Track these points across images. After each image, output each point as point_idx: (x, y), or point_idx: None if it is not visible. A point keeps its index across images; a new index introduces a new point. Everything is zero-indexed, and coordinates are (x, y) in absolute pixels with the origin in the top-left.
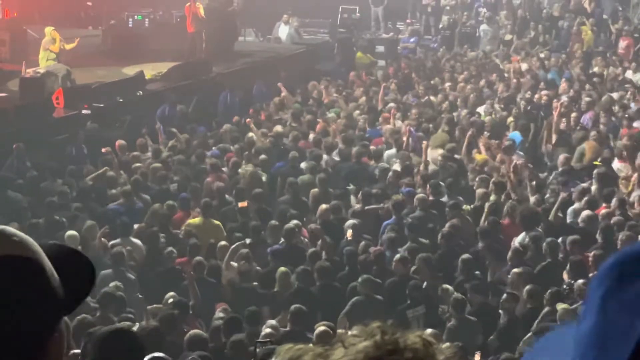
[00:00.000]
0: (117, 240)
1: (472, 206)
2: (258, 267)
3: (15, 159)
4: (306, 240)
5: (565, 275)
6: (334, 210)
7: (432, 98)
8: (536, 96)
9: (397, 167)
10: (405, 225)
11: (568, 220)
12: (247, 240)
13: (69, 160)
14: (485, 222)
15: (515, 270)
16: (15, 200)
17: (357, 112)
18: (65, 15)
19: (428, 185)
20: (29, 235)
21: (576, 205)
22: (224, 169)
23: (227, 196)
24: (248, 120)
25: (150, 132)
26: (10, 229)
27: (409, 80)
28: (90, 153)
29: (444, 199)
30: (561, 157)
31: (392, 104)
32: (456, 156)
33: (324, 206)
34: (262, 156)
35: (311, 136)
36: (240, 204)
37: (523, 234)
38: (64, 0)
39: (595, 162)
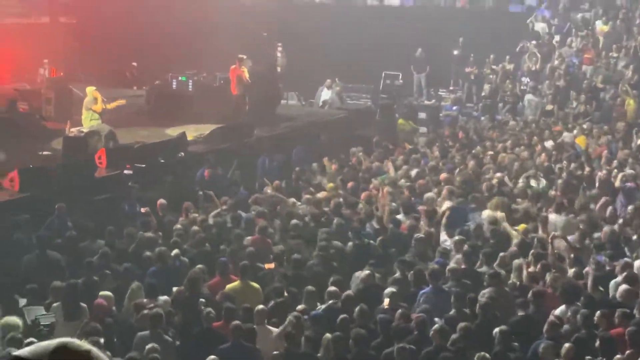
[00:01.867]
0: (157, 302)
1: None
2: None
3: (56, 218)
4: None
5: None
6: (370, 278)
7: (471, 165)
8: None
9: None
10: (441, 294)
11: (610, 295)
12: (299, 308)
13: (114, 219)
14: (528, 292)
15: (547, 342)
16: (55, 260)
17: (402, 180)
18: (111, 75)
19: (461, 255)
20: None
21: (618, 279)
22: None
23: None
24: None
25: (188, 195)
26: (75, 342)
27: (450, 148)
28: (134, 213)
29: (484, 268)
30: (605, 229)
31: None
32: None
33: (361, 273)
34: (303, 221)
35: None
36: (266, 266)
37: (563, 306)
38: (109, 60)
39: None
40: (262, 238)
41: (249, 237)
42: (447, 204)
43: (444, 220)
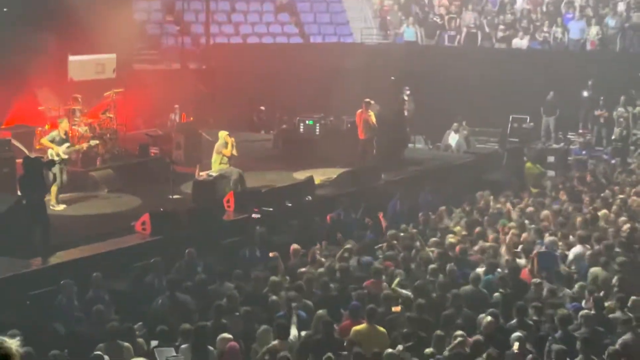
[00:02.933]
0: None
1: None
2: None
3: (186, 262)
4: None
5: None
6: (493, 323)
7: (603, 211)
8: None
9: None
10: (571, 340)
11: None
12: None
13: (242, 262)
14: None
15: None
16: (184, 302)
17: (527, 221)
18: (239, 119)
19: (592, 300)
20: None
21: None
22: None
23: None
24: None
25: (315, 238)
26: None
27: (578, 191)
28: (261, 256)
29: (617, 314)
30: None
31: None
32: None
33: (487, 318)
34: (431, 266)
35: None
36: (393, 309)
37: None
38: (238, 104)
39: None
40: (376, 282)
41: (366, 281)
42: (537, 248)
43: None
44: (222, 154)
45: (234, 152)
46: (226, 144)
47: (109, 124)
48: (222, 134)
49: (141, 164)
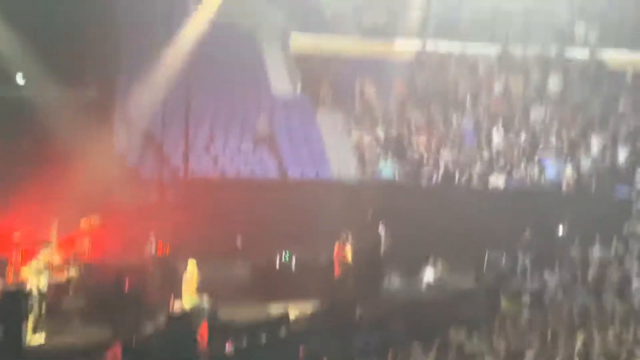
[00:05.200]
0: None
1: None
2: None
3: None
4: None
5: None
6: None
7: None
8: None
9: None
10: None
11: None
12: None
13: None
14: None
15: None
16: None
17: None
18: (216, 251)
19: None
20: None
21: None
22: None
23: None
24: None
25: None
26: None
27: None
28: None
29: None
30: None
31: None
32: None
33: None
34: None
35: None
36: None
37: None
38: (214, 236)
39: None
40: None
41: None
42: None
43: None
44: (189, 283)
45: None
46: (193, 274)
47: (84, 255)
48: (191, 263)
49: (115, 295)
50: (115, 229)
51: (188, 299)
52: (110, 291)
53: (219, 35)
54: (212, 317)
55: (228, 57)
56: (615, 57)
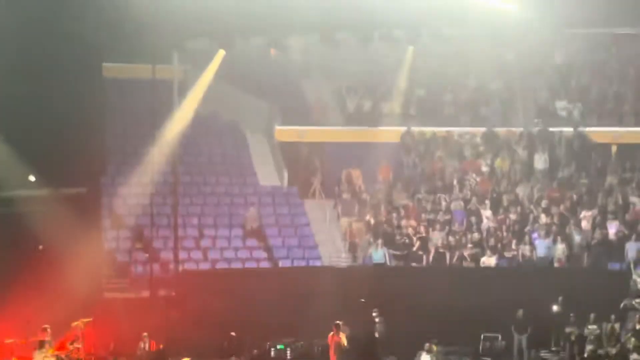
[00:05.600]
0: None
1: None
2: None
3: None
4: None
5: None
6: None
7: None
8: None
9: None
10: None
11: None
12: None
13: None
14: None
15: None
16: None
17: None
18: (209, 345)
19: None
20: None
21: None
22: None
23: None
24: None
25: None
26: None
27: None
28: None
29: None
30: None
31: None
32: None
33: None
34: None
35: None
36: None
37: None
38: (208, 331)
39: None
40: None
41: None
42: None
43: None
44: None
45: None
46: None
47: (77, 354)
48: None
49: None
50: (108, 326)
51: None
52: None
53: (204, 127)
54: None
55: (213, 149)
56: (598, 132)
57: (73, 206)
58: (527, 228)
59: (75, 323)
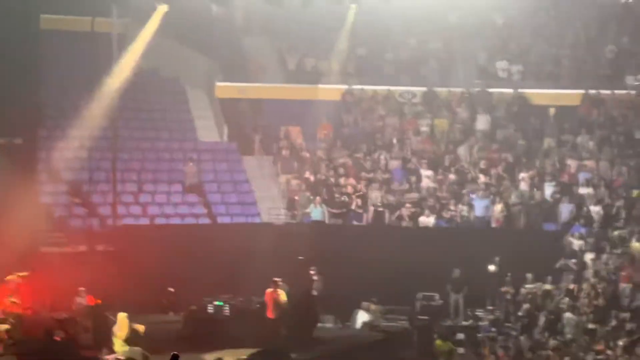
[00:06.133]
0: None
1: None
2: None
3: None
4: None
5: None
6: None
7: None
8: None
9: None
10: None
11: None
12: None
13: None
14: None
15: None
16: None
17: None
18: (148, 301)
19: None
20: None
21: None
22: None
23: None
24: None
25: None
26: None
27: None
28: None
29: None
30: None
31: None
32: None
33: None
34: None
35: None
36: None
37: None
38: (146, 286)
39: None
40: None
41: None
42: None
43: None
44: (117, 336)
45: (140, 330)
46: (120, 326)
47: (13, 308)
48: (120, 316)
49: (45, 348)
50: (45, 281)
51: (120, 350)
52: (41, 343)
53: (143, 82)
54: None
55: (153, 104)
56: (537, 93)
57: (7, 157)
58: (466, 189)
59: (10, 277)
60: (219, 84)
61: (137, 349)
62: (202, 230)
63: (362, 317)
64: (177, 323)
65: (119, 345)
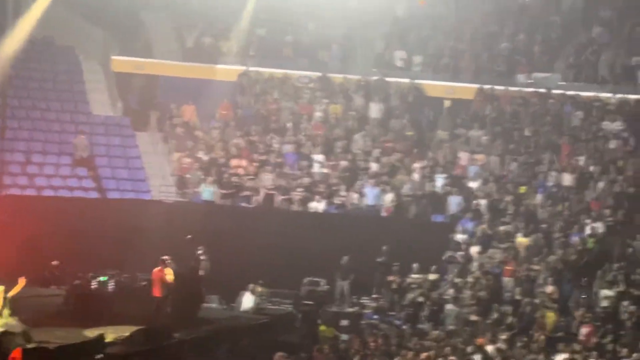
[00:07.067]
0: None
1: None
2: None
3: None
4: None
5: None
6: None
7: None
8: None
9: None
10: None
11: None
12: None
13: None
14: None
15: None
16: None
17: None
18: (31, 273)
19: None
20: None
21: None
22: None
23: None
24: None
25: None
26: None
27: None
28: None
29: None
30: None
31: None
32: None
33: None
34: None
35: None
36: None
37: None
38: (29, 258)
39: None
40: None
41: None
42: None
43: None
44: None
45: (10, 294)
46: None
47: None
48: None
49: None
50: None
51: None
52: None
53: (37, 51)
54: (25, 342)
55: (45, 74)
56: (433, 85)
57: None
58: (358, 176)
59: None
60: (114, 57)
61: (14, 322)
62: (90, 204)
63: (247, 299)
64: (59, 297)
65: None
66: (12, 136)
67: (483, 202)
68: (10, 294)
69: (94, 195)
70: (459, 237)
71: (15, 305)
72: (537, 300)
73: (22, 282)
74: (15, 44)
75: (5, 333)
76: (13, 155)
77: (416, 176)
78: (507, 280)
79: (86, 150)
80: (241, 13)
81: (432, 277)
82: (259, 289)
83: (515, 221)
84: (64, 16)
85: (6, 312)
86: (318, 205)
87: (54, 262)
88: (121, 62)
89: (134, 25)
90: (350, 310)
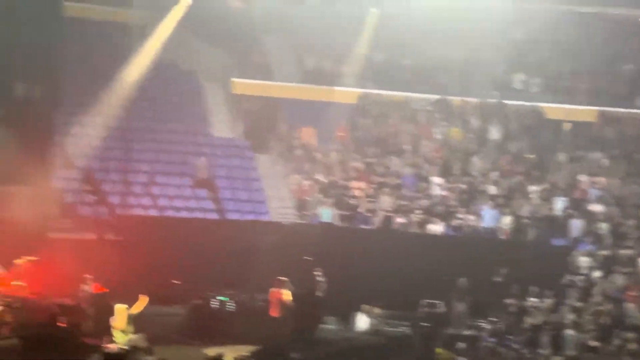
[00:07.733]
0: None
1: None
2: None
3: None
4: None
5: None
6: None
7: None
8: None
9: None
10: None
11: None
12: None
13: None
14: None
15: None
16: None
17: None
18: (153, 292)
19: None
20: None
21: None
22: None
23: None
24: None
25: None
26: None
27: None
28: None
29: None
30: None
31: None
32: None
33: None
34: None
35: None
36: None
37: None
38: (152, 277)
39: None
40: None
41: None
42: None
43: None
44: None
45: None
46: (120, 318)
47: (19, 292)
48: (118, 308)
49: (49, 333)
50: (53, 267)
51: (120, 340)
52: (45, 327)
53: (161, 74)
54: (147, 357)
55: (169, 97)
56: (553, 108)
57: (23, 143)
58: (476, 198)
59: (19, 260)
60: (236, 80)
61: (139, 336)
62: (210, 225)
63: (362, 320)
64: (180, 316)
65: (118, 336)
66: (137, 157)
67: (604, 226)
68: (133, 311)
69: (213, 216)
70: (580, 260)
71: (137, 323)
72: None
73: (144, 300)
74: (140, 67)
75: (130, 349)
76: (137, 176)
77: (535, 199)
78: (629, 306)
79: (206, 172)
80: (360, 36)
81: (551, 301)
82: (376, 310)
83: (638, 246)
84: (187, 40)
85: (130, 329)
86: (436, 227)
87: (175, 281)
88: (242, 84)
89: (255, 49)
90: (468, 332)
